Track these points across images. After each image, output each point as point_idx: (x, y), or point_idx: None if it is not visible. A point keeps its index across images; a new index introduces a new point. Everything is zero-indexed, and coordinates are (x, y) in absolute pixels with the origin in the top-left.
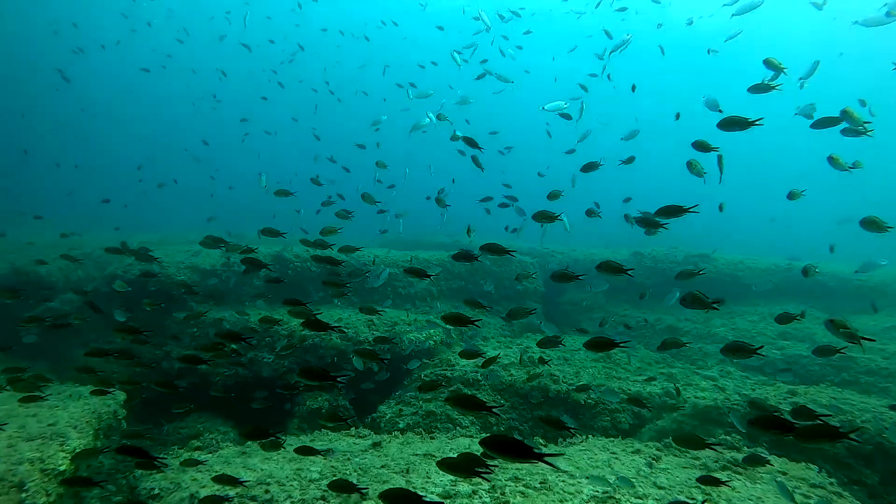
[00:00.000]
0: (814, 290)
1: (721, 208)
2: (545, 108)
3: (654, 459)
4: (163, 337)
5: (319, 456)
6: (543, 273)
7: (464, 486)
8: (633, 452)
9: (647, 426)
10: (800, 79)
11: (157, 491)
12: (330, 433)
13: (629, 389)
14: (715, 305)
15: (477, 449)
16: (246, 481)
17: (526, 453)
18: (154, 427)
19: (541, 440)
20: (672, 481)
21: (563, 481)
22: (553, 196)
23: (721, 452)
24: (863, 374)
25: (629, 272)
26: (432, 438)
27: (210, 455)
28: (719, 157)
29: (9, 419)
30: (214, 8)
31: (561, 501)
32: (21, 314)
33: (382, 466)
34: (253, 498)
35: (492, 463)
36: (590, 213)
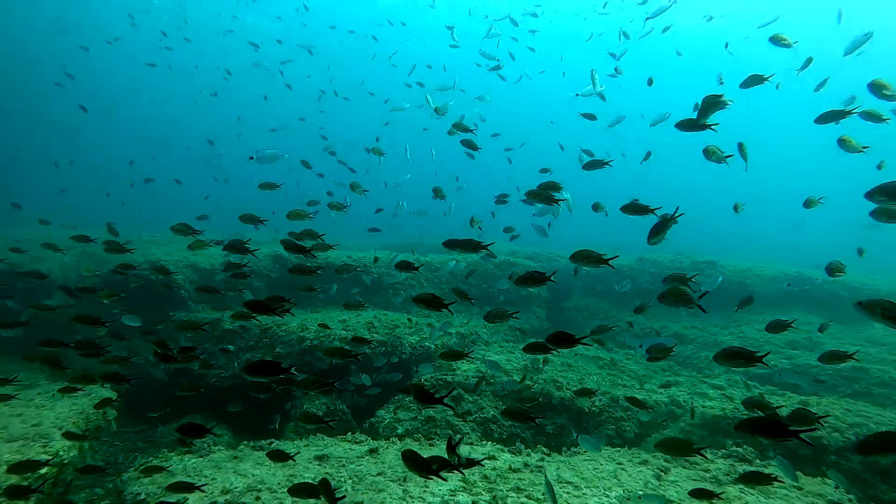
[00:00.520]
0: (823, 299)
1: (737, 209)
2: (578, 94)
3: (662, 471)
4: (157, 336)
5: (315, 463)
6: None
7: (463, 497)
8: (640, 463)
9: (652, 435)
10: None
11: (143, 496)
12: (325, 438)
13: (634, 398)
14: (700, 304)
15: (476, 457)
16: (203, 485)
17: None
18: (148, 428)
19: (544, 448)
20: (682, 495)
21: (568, 493)
22: (548, 187)
23: (733, 465)
24: (875, 386)
25: (609, 262)
26: (431, 445)
27: (201, 459)
28: (741, 146)
29: None
30: (220, 5)
31: None
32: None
33: (378, 474)
34: None
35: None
36: (596, 207)
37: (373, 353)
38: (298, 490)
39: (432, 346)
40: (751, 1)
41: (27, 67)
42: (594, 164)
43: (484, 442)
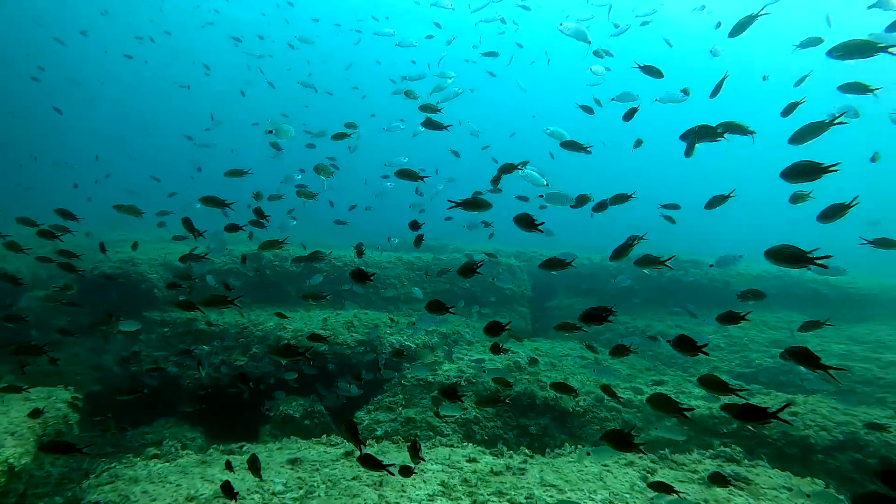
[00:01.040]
0: (807, 297)
1: (730, 196)
2: (562, 26)
3: (649, 472)
4: (131, 337)
5: (288, 467)
6: (531, 277)
7: (442, 502)
8: (626, 465)
9: (639, 436)
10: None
11: None
12: (299, 441)
13: (620, 397)
14: (668, 264)
15: (457, 459)
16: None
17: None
18: (117, 432)
19: (526, 450)
20: (670, 497)
21: (551, 496)
22: (505, 169)
23: (721, 465)
24: (859, 384)
25: (539, 227)
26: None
27: (167, 464)
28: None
29: None
30: None
31: None
32: None
33: (354, 478)
34: None
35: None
36: (594, 206)
37: (352, 352)
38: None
39: (413, 346)
40: None
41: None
42: (572, 145)
43: (465, 444)
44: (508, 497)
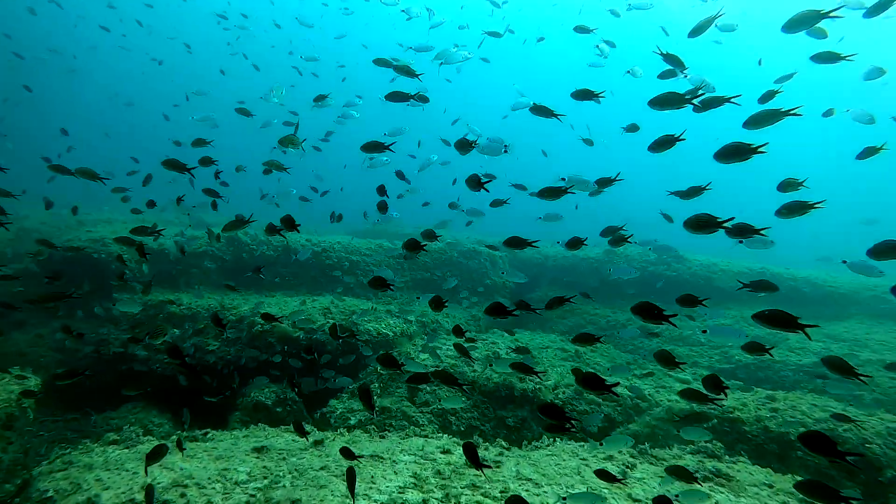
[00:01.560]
0: (787, 295)
1: (705, 187)
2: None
3: (627, 467)
4: (100, 320)
5: (253, 455)
6: (513, 268)
7: (412, 495)
8: (604, 459)
9: (617, 430)
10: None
11: (50, 493)
12: (267, 428)
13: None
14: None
15: (431, 450)
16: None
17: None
18: (81, 417)
19: (503, 442)
20: (649, 492)
21: (527, 490)
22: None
23: (702, 461)
24: (836, 381)
25: (485, 187)
26: (382, 437)
27: (126, 451)
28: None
29: None
30: None
31: None
32: None
33: (322, 468)
34: (164, 503)
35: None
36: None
37: (328, 339)
38: None
39: (391, 334)
40: None
41: None
42: (541, 110)
43: (440, 434)
44: (483, 490)
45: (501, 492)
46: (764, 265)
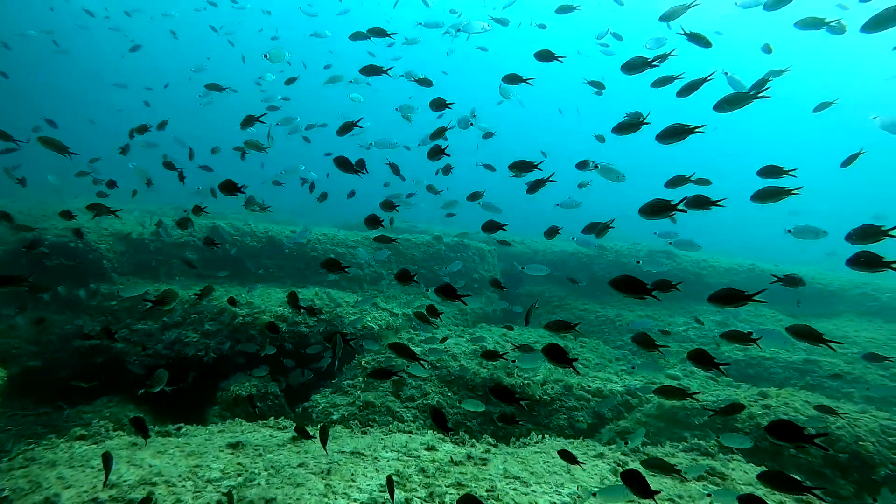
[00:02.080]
0: (776, 292)
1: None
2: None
3: (620, 465)
4: (76, 311)
5: (228, 451)
6: (501, 262)
7: (395, 494)
8: (595, 456)
9: (607, 426)
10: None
11: (6, 493)
12: (244, 423)
13: (589, 386)
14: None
15: (414, 447)
16: None
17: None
18: (53, 411)
19: (490, 439)
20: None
21: (515, 489)
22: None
23: (696, 459)
24: (826, 379)
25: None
26: (364, 433)
27: (94, 446)
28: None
29: None
30: None
31: None
32: None
33: (300, 465)
34: (130, 502)
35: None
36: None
37: (311, 332)
38: None
39: (376, 327)
40: None
41: None
42: (513, 78)
43: (425, 430)
44: (469, 489)
45: (488, 490)
46: (753, 262)
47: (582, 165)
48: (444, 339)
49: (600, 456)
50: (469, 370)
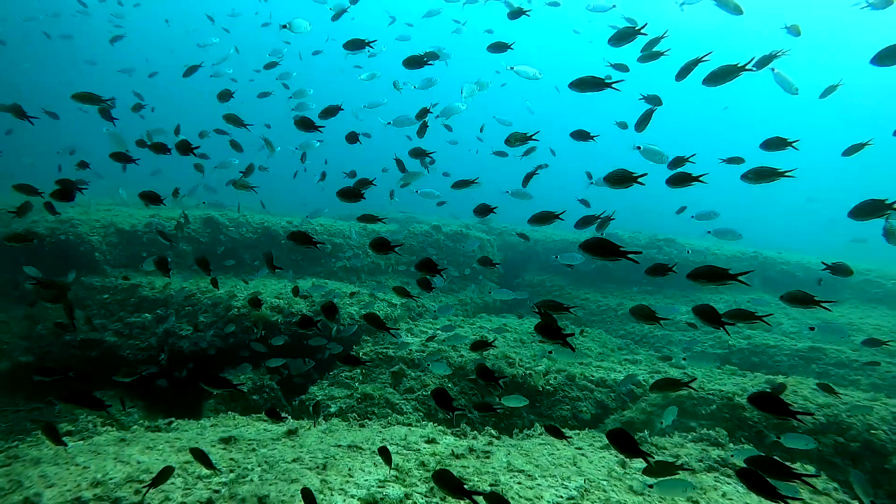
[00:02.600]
0: (779, 279)
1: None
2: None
3: (626, 457)
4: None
5: (220, 446)
6: (501, 251)
7: (394, 489)
8: (601, 448)
9: (611, 417)
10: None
11: None
12: (237, 417)
13: (592, 376)
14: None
15: (414, 440)
16: None
17: None
18: (44, 407)
19: (492, 430)
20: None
21: (520, 483)
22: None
23: (706, 450)
24: (832, 367)
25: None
26: (362, 426)
27: (81, 443)
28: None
29: None
30: None
31: None
32: None
33: (294, 460)
34: (116, 501)
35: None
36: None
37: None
38: None
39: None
40: None
41: None
42: (498, 47)
43: (425, 423)
44: (471, 484)
45: (491, 485)
46: (756, 249)
47: (581, 135)
48: (430, 339)
49: (606, 447)
50: (469, 360)
